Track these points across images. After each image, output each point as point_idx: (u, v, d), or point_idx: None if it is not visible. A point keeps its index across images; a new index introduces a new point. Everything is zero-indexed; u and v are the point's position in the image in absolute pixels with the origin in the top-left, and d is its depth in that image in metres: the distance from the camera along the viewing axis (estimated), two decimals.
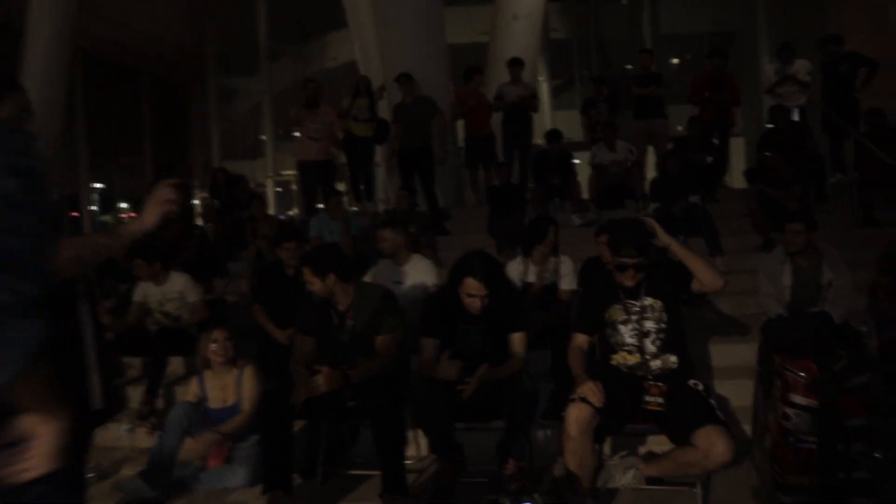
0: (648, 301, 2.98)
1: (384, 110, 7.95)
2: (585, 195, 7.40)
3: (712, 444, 2.58)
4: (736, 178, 8.88)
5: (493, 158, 7.93)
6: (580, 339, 3.12)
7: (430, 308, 3.43)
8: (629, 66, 12.94)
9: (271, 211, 17.61)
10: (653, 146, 7.98)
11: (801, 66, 7.74)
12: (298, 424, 3.49)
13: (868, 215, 6.31)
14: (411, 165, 7.23)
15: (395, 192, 7.71)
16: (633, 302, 3.00)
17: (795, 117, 7.50)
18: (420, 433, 3.47)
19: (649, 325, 2.96)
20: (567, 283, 4.54)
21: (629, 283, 2.92)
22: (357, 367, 3.21)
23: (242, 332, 4.94)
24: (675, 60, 17.05)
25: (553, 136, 7.50)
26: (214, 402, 3.88)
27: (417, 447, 3.74)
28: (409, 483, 3.09)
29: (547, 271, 4.55)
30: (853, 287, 4.14)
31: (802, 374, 2.39)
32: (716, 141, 7.67)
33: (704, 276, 2.91)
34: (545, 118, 14.91)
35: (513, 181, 7.54)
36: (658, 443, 3.27)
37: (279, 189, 20.85)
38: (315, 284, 3.30)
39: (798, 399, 2.39)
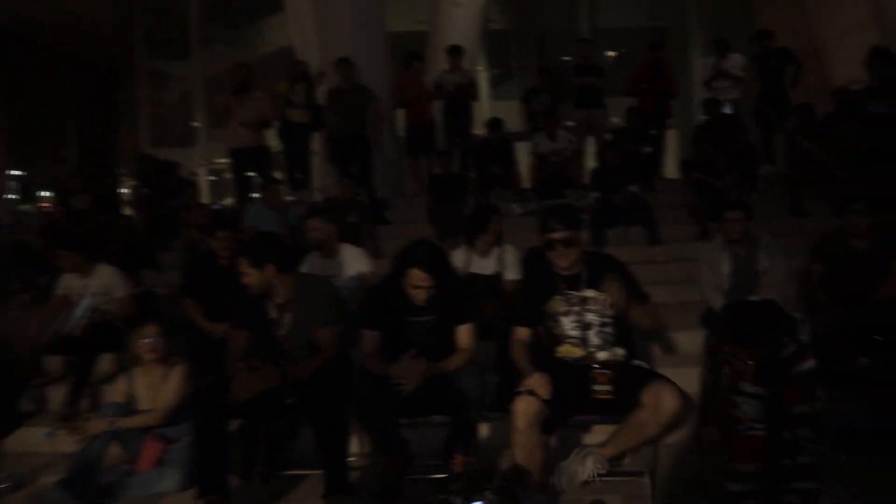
0: (590, 293, 2.94)
1: (323, 97, 7.74)
2: (526, 184, 7.38)
3: (659, 398, 2.61)
4: (671, 168, 9.07)
5: (433, 147, 7.83)
6: (522, 332, 3.08)
7: (371, 299, 3.31)
8: (567, 58, 13.04)
9: (205, 200, 17.04)
10: (592, 136, 8.03)
11: (734, 61, 7.98)
12: (234, 423, 3.33)
13: (797, 206, 6.52)
14: (348, 153, 7.05)
15: (333, 181, 7.53)
16: (573, 292, 2.96)
17: (728, 110, 7.69)
18: (363, 428, 3.33)
19: (591, 317, 2.93)
20: (511, 273, 4.48)
21: (563, 262, 2.88)
22: (298, 363, 3.08)
23: (174, 327, 4.72)
24: (611, 53, 17.30)
25: (494, 124, 7.45)
26: (145, 402, 3.66)
27: (360, 443, 3.62)
28: (352, 482, 2.97)
29: (490, 261, 4.50)
30: (787, 274, 4.25)
31: (751, 362, 2.40)
32: (654, 132, 7.77)
33: (645, 322, 2.95)
34: (484, 108, 14.90)
35: (454, 170, 7.45)
36: (607, 432, 3.24)
37: (213, 178, 20.20)
38: (251, 276, 3.14)
39: (747, 387, 2.40)
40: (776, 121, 7.15)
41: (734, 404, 2.45)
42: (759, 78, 7.79)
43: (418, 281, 3.03)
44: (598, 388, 2.83)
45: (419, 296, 3.06)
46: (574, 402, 2.82)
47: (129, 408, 3.62)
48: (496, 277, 4.47)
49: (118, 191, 8.44)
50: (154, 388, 3.67)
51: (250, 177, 7.25)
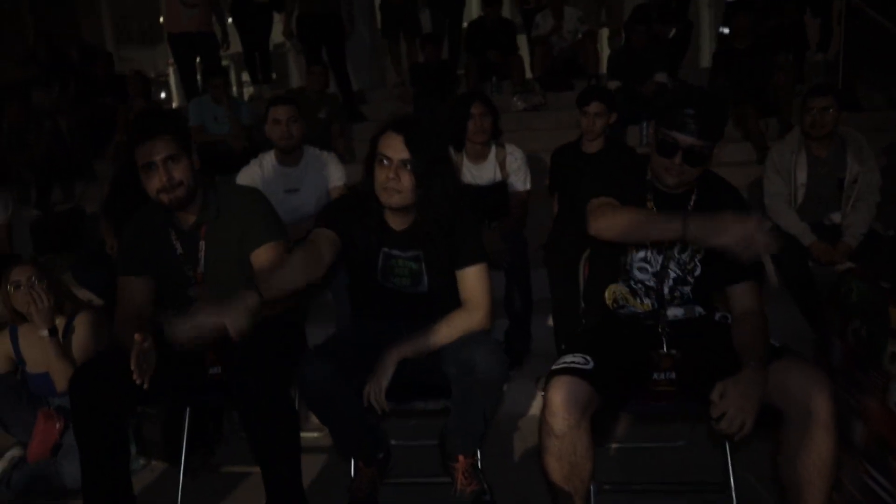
0: None
1: None
2: (529, 74, 6.22)
3: (807, 382, 1.61)
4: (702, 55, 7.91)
5: (416, 28, 6.56)
6: (606, 199, 1.87)
7: (331, 213, 2.06)
8: None
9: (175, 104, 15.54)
10: (606, 15, 6.79)
11: None
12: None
13: (852, 98, 5.44)
14: (317, 37, 5.79)
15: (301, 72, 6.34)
16: None
17: None
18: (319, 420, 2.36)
19: (672, 266, 1.93)
20: (520, 181, 3.44)
21: (670, 179, 1.82)
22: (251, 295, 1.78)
23: (97, 256, 3.75)
24: None
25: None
26: (34, 364, 2.68)
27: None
28: (304, 492, 2.04)
29: (487, 167, 3.44)
30: (879, 186, 3.26)
31: None
32: (675, 7, 6.53)
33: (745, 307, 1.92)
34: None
35: (442, 57, 6.25)
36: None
37: None
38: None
39: None
40: None
41: None
42: None
43: (390, 150, 1.89)
44: (657, 376, 1.88)
45: (390, 186, 1.89)
46: (631, 384, 1.86)
47: (15, 378, 2.68)
48: (498, 187, 3.42)
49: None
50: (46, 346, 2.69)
51: (196, 67, 5.98)
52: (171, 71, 18.59)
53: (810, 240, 3.17)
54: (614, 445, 2.40)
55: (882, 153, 4.37)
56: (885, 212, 3.49)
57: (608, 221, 1.76)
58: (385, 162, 1.90)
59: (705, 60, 9.85)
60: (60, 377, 2.54)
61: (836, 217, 3.26)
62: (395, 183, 1.89)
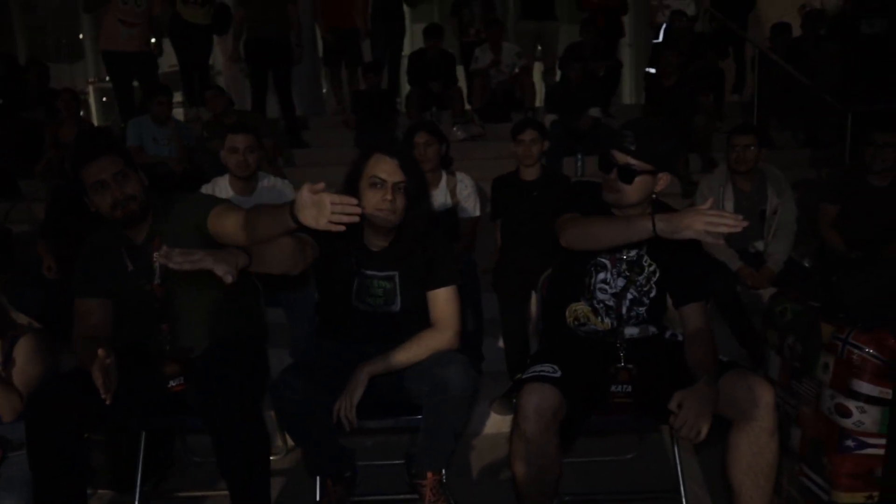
0: (646, 262, 2.06)
1: None
2: (467, 105, 6.41)
3: (752, 392, 1.75)
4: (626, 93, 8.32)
5: (357, 57, 6.67)
6: (573, 214, 2.00)
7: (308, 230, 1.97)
8: None
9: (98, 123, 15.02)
10: (541, 52, 7.08)
11: None
12: None
13: (765, 137, 5.89)
14: (265, 61, 5.79)
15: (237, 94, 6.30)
16: (624, 249, 2.04)
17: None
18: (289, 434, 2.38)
19: (631, 289, 2.07)
20: (470, 207, 3.58)
21: (609, 195, 1.95)
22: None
23: (31, 278, 3.61)
24: None
25: (433, 32, 6.34)
26: None
27: (283, 437, 2.72)
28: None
29: (438, 193, 3.56)
30: (797, 216, 3.57)
31: (872, 351, 1.64)
32: (606, 48, 6.91)
33: (694, 326, 2.06)
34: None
35: (383, 86, 6.36)
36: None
37: (105, 98, 17.98)
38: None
39: (865, 388, 1.65)
40: (747, 39, 6.40)
41: (842, 410, 1.70)
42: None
43: (384, 173, 1.97)
44: (616, 388, 2.01)
45: (382, 207, 1.95)
46: (595, 392, 1.98)
47: None
48: (449, 213, 3.54)
49: None
50: None
51: (133, 87, 5.87)
52: (90, 89, 17.99)
53: (737, 265, 3.42)
54: (569, 460, 2.52)
55: (793, 188, 4.77)
56: (800, 242, 3.83)
57: (581, 230, 1.87)
58: (378, 185, 1.98)
59: (626, 97, 10.41)
60: (6, 410, 2.44)
61: (760, 245, 3.54)
62: (392, 205, 1.98)
